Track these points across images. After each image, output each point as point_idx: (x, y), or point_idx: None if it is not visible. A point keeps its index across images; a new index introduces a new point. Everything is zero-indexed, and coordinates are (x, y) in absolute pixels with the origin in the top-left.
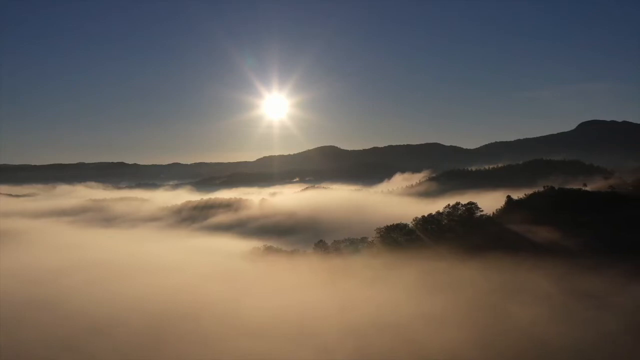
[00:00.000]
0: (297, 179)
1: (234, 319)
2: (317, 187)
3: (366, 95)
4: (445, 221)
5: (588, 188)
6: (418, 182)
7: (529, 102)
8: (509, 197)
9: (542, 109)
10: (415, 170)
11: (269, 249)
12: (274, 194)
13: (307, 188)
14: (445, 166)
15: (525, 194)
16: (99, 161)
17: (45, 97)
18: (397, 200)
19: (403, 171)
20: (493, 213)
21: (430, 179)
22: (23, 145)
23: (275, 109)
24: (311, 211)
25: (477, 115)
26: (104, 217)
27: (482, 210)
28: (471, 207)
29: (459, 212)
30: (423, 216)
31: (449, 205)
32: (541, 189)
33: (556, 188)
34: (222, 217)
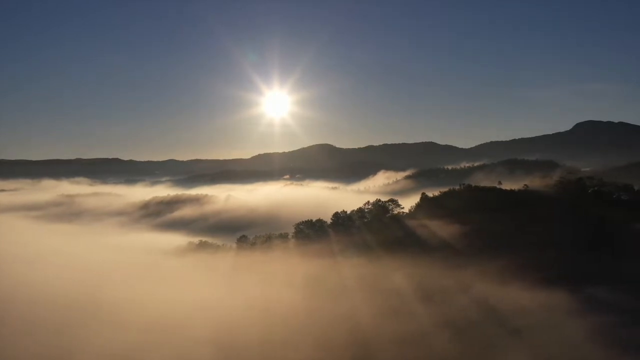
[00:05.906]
0: (288, 176)
1: (114, 311)
2: (296, 185)
3: (365, 93)
4: (355, 218)
5: (503, 186)
6: (395, 180)
7: (526, 102)
8: (423, 194)
9: (539, 109)
10: (407, 169)
11: (202, 245)
12: (251, 190)
13: (285, 185)
14: (438, 165)
15: (439, 191)
16: (96, 157)
17: (43, 94)
18: (366, 198)
19: (396, 170)
20: (409, 210)
21: (407, 177)
22: (21, 141)
23: (276, 106)
24: (272, 208)
25: (475, 114)
26: (71, 212)
27: (402, 208)
28: (385, 204)
29: (376, 209)
30: (336, 212)
31: (368, 202)
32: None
33: (472, 186)
34: (185, 213)
